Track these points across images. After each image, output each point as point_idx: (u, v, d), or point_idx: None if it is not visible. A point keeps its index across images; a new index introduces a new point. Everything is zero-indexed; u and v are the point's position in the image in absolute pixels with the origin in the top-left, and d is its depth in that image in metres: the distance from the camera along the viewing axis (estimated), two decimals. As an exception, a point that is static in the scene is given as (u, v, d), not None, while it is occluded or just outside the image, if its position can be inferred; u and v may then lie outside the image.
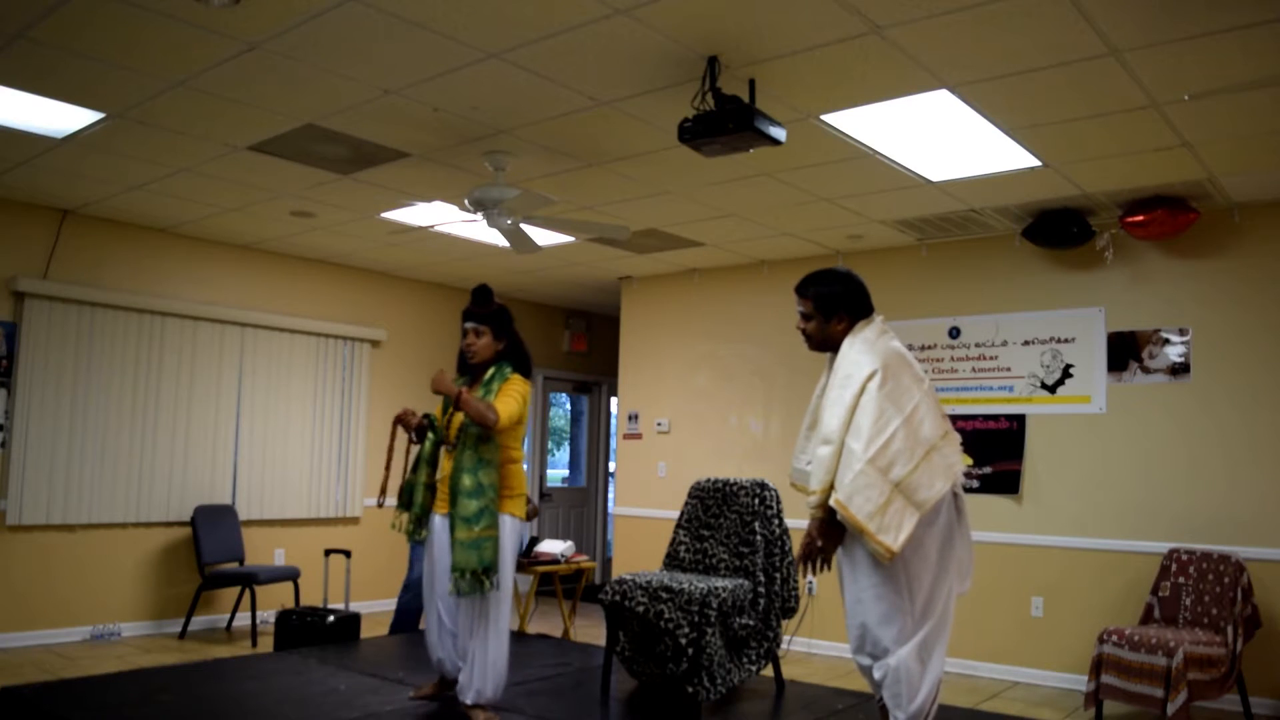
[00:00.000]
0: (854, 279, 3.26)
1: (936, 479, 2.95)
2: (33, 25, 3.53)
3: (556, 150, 4.81)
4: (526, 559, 5.95)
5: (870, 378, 2.96)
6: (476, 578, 3.72)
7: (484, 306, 3.97)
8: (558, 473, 11.34)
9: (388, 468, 4.07)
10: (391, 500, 4.12)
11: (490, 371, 3.96)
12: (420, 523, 4.02)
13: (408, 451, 4.21)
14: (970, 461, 6.07)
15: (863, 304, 3.22)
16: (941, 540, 3.06)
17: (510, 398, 3.81)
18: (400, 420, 4.01)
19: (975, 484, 6.03)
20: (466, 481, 3.77)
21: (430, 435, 4.06)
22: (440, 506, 3.98)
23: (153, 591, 6.56)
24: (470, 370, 4.06)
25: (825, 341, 3.24)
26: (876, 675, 3.04)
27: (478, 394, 3.88)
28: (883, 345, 3.09)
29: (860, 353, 3.06)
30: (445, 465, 3.98)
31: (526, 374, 4.00)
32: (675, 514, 5.59)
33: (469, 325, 3.98)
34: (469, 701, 3.86)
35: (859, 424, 2.93)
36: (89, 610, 6.24)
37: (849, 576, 3.10)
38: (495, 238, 6.20)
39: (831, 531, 3.02)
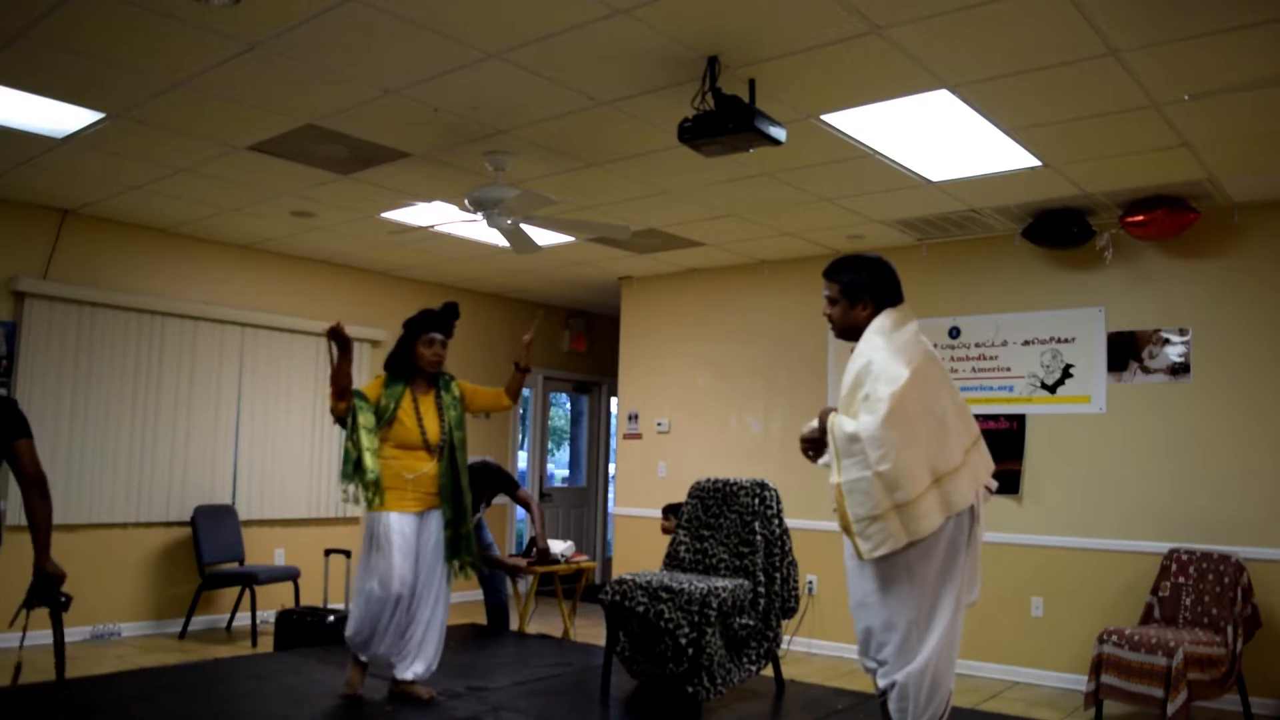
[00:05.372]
0: (883, 264, 3.11)
1: (935, 511, 2.83)
2: (33, 25, 3.53)
3: (556, 150, 4.81)
4: (528, 559, 5.95)
5: (904, 383, 2.81)
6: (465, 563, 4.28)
7: (454, 323, 4.40)
8: (558, 473, 11.34)
9: (338, 377, 4.05)
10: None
11: (441, 379, 4.36)
12: (378, 489, 4.05)
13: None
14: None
15: (890, 291, 3.06)
16: (946, 550, 2.92)
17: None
18: (336, 334, 4.00)
19: (975, 484, 6.03)
20: (465, 481, 4.27)
21: (361, 408, 4.09)
22: (414, 505, 4.17)
23: (153, 591, 6.56)
24: (409, 375, 4.26)
25: (849, 328, 3.08)
26: (881, 684, 2.96)
27: (439, 396, 4.32)
28: (918, 348, 2.94)
29: (898, 350, 2.91)
30: (415, 464, 4.16)
31: None
32: (675, 514, 5.59)
33: (440, 336, 4.31)
34: (411, 677, 4.21)
35: (884, 435, 2.78)
36: (89, 610, 6.21)
37: (855, 577, 3.01)
38: (495, 238, 6.20)
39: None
